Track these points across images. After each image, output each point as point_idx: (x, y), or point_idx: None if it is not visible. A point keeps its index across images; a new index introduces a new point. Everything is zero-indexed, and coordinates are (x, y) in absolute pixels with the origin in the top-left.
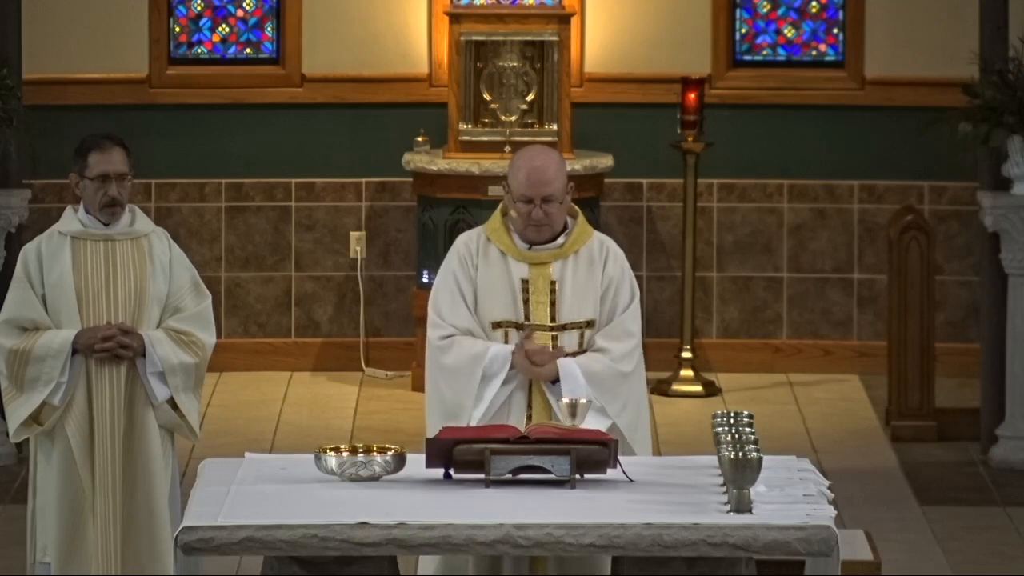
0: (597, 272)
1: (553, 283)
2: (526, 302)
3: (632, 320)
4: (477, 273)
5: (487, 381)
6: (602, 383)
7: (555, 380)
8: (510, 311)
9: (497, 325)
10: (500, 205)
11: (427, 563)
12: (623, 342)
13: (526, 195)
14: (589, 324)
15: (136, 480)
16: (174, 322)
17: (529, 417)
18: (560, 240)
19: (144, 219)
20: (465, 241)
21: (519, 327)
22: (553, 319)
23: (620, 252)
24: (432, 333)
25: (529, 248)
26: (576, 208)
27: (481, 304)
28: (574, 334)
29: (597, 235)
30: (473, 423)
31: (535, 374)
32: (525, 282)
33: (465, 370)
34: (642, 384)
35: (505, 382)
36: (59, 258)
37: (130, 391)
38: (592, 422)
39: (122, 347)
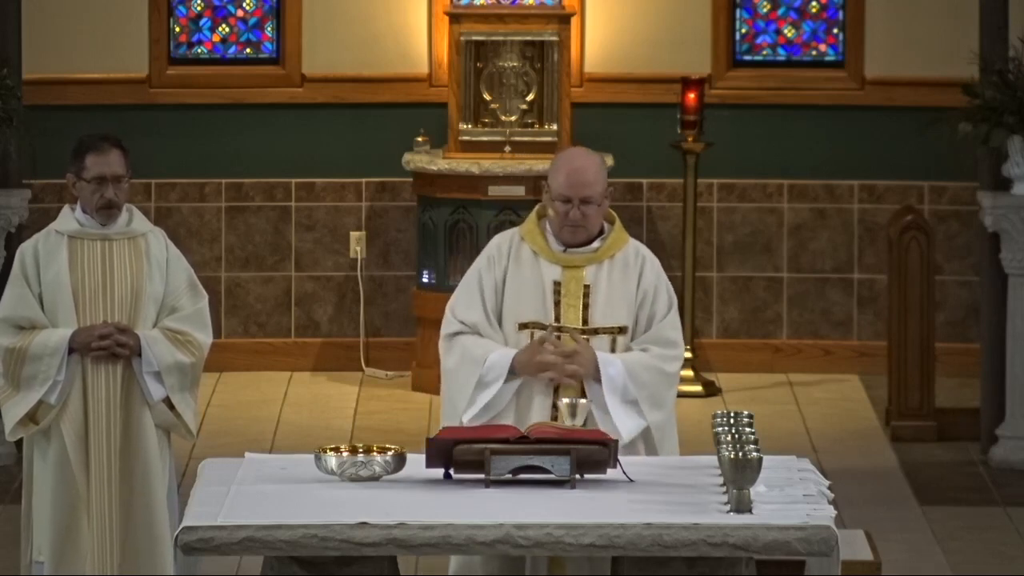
0: (632, 279)
1: (586, 287)
2: (557, 304)
3: (672, 328)
4: (507, 274)
5: (481, 388)
6: (641, 377)
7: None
8: (540, 312)
9: (524, 326)
10: (536, 207)
11: (457, 564)
12: (664, 348)
13: (565, 195)
14: (621, 330)
15: (133, 479)
16: (170, 322)
17: (554, 418)
18: (595, 244)
19: (141, 219)
20: (498, 243)
21: (547, 330)
22: (585, 323)
23: (655, 260)
24: (442, 331)
25: (564, 250)
26: (613, 214)
27: (510, 304)
28: (605, 339)
29: (633, 242)
30: (467, 424)
31: (548, 375)
32: (557, 284)
33: (462, 372)
34: (675, 390)
35: (506, 382)
36: (56, 257)
37: (126, 390)
38: (628, 422)
39: (119, 346)
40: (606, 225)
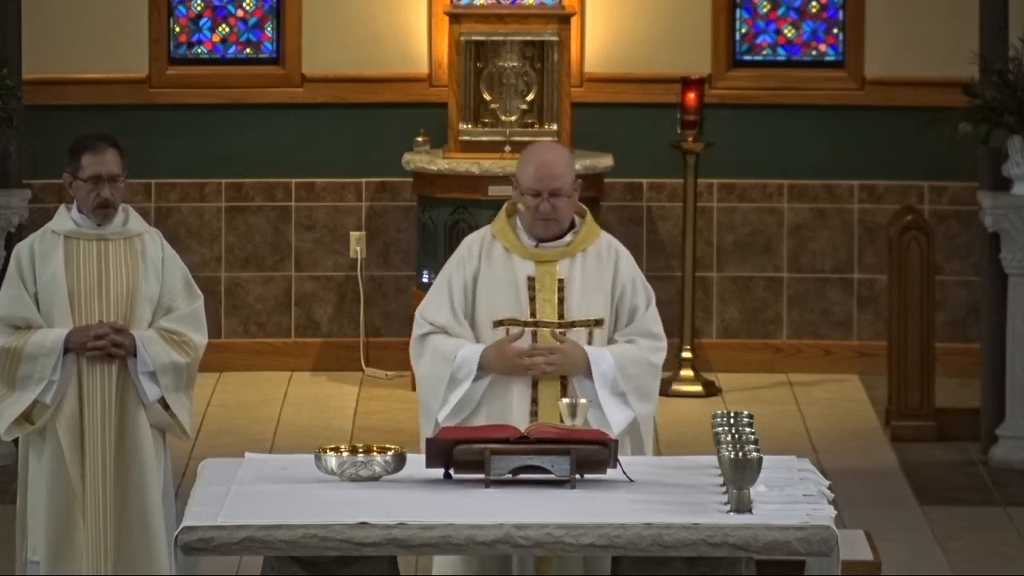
0: (607, 272)
1: (560, 281)
2: (532, 300)
3: (654, 321)
4: (478, 273)
5: (453, 386)
6: (629, 370)
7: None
8: (515, 309)
9: (499, 323)
10: (505, 205)
11: (442, 564)
12: (650, 340)
13: (534, 188)
14: (597, 323)
15: (128, 480)
16: (166, 322)
17: (534, 413)
18: (567, 238)
19: (137, 219)
20: (468, 243)
21: (523, 325)
22: (561, 317)
23: (628, 253)
24: (412, 334)
25: (536, 246)
26: (584, 208)
27: (483, 303)
28: (582, 332)
29: (605, 235)
30: (440, 424)
31: (561, 364)
32: (531, 280)
33: (434, 371)
34: (659, 382)
35: (475, 380)
36: (52, 257)
37: (121, 390)
38: (619, 415)
39: (115, 346)
40: (577, 219)
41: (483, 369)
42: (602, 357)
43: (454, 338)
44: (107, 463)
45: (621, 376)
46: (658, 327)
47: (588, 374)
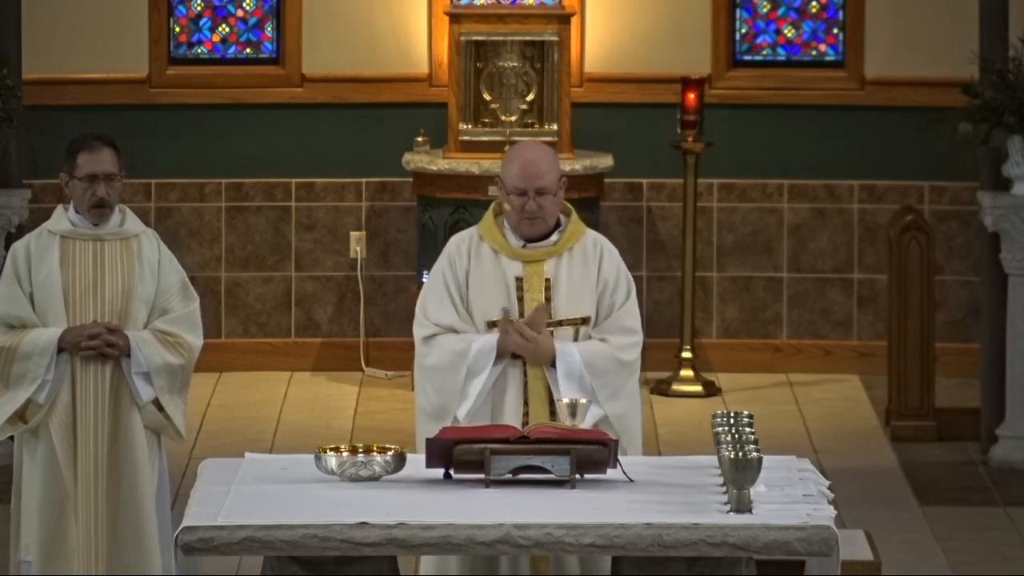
0: (592, 270)
1: (548, 280)
2: (520, 299)
3: (629, 316)
4: (468, 273)
5: (471, 378)
6: (598, 366)
7: (553, 363)
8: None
9: (492, 324)
10: (492, 205)
11: (429, 564)
12: (622, 336)
13: (519, 187)
14: (585, 321)
15: (121, 480)
16: (161, 323)
17: (525, 413)
18: (554, 237)
19: (134, 219)
20: (456, 242)
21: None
22: (549, 316)
23: (614, 249)
24: (416, 333)
25: (523, 246)
26: (569, 206)
27: (474, 303)
28: (569, 331)
29: (591, 233)
30: (461, 421)
31: (531, 351)
32: (519, 280)
33: (449, 368)
34: (636, 379)
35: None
36: (47, 256)
37: (115, 391)
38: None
39: (108, 346)
40: (562, 218)
41: (500, 355)
42: (569, 353)
43: (461, 335)
44: (100, 463)
45: (589, 373)
46: (632, 321)
47: (551, 367)
